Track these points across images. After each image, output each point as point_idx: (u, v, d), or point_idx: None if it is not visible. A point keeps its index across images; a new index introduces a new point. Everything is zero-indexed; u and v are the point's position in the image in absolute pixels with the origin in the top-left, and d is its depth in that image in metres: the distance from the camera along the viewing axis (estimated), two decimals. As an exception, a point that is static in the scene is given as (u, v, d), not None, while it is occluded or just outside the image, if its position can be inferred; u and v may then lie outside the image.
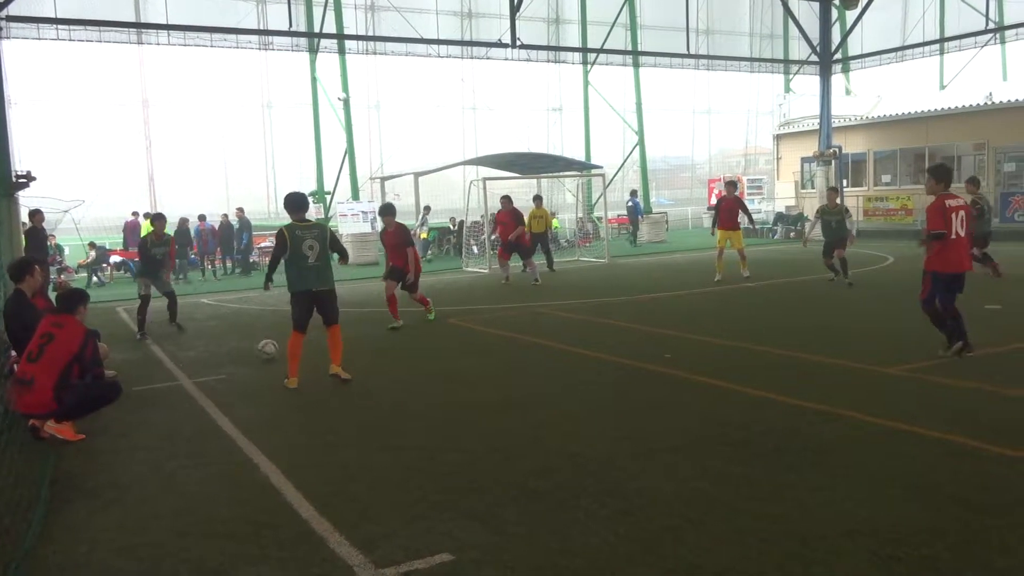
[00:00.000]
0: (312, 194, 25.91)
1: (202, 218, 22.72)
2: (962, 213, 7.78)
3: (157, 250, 11.88)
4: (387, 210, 11.39)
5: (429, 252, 25.03)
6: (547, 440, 5.88)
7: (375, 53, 24.60)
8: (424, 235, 24.47)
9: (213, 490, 5.14)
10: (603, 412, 6.64)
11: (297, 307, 8.03)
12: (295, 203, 8.02)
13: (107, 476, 5.51)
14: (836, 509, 4.36)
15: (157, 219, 12.56)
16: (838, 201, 14.96)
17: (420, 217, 24.75)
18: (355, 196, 25.52)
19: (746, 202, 17.38)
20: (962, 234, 7.76)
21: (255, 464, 5.57)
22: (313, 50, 24.54)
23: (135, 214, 23.55)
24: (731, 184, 16.34)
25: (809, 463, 5.11)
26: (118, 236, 24.07)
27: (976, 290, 12.66)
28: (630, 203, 27.92)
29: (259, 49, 23.79)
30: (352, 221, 23.74)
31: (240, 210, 23.14)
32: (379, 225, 24.29)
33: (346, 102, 25.31)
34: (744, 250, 15.40)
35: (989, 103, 25.68)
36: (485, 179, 21.33)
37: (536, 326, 11.08)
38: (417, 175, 26.20)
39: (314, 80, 25.09)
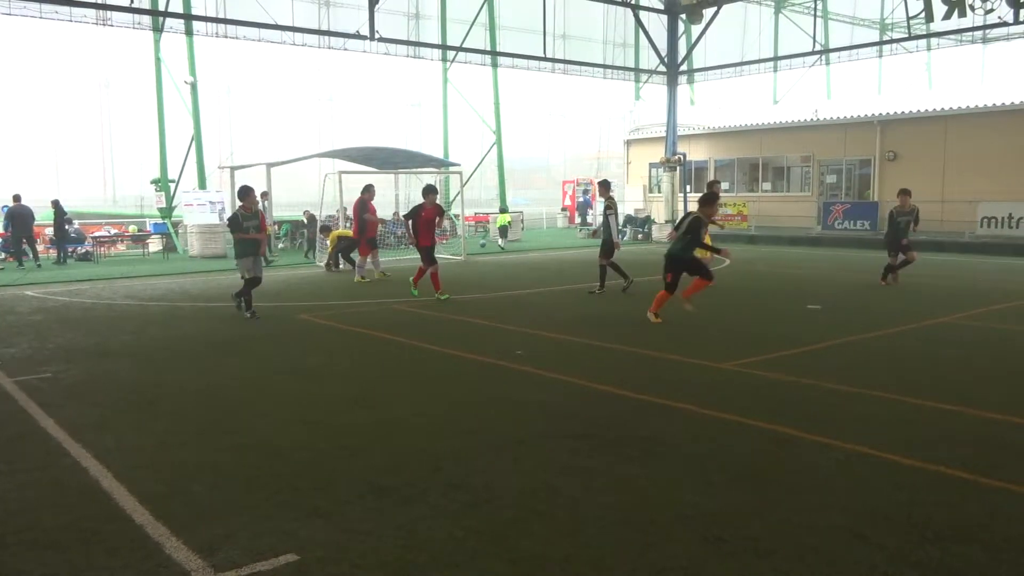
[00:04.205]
0: (154, 182, 24.54)
1: None
2: None
3: (249, 223, 11.51)
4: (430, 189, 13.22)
5: (280, 246, 24.26)
6: (396, 436, 5.88)
7: (226, 36, 23.55)
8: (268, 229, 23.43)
9: (34, 497, 4.78)
10: (453, 407, 6.71)
11: None
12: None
13: (-91, 484, 5.02)
14: (670, 496, 4.62)
15: (248, 193, 11.84)
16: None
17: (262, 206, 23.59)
18: (202, 185, 24.37)
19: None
20: None
21: (83, 468, 5.23)
22: (157, 29, 23.20)
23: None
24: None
25: (647, 454, 5.39)
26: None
27: (800, 291, 13.73)
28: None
29: (96, 24, 22.22)
30: (198, 211, 22.62)
31: (16, 197, 20.69)
32: (227, 216, 23.43)
33: (193, 86, 24.11)
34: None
35: (815, 119, 27.87)
36: (341, 173, 20.92)
37: (389, 322, 11.01)
38: (270, 166, 25.33)
39: (158, 61, 23.74)
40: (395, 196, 29.54)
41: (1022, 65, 38.00)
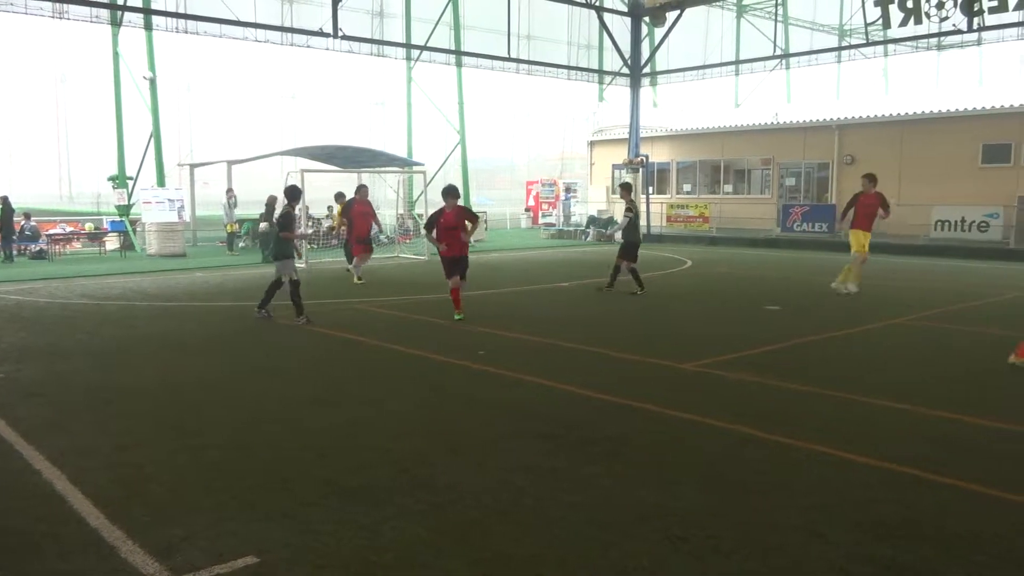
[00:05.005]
0: (112, 179, 24.09)
1: None
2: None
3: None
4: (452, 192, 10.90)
5: (241, 244, 23.97)
6: (361, 437, 5.85)
7: (186, 32, 23.20)
8: (231, 227, 23.26)
9: (-15, 500, 4.68)
10: (418, 408, 6.69)
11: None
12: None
13: None
14: (632, 496, 4.66)
15: (299, 194, 11.56)
16: None
17: (224, 205, 23.49)
18: (160, 183, 23.98)
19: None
20: None
21: (36, 470, 5.11)
22: (115, 23, 22.77)
23: None
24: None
25: (610, 454, 5.42)
26: None
27: (760, 292, 13.92)
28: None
29: (52, 17, 21.73)
30: (157, 209, 22.25)
31: None
32: (186, 214, 23.11)
33: (152, 82, 23.73)
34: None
35: (775, 123, 28.28)
36: (304, 171, 20.71)
37: (353, 322, 10.93)
38: (230, 163, 25.01)
39: (116, 55, 23.30)
40: (358, 195, 29.35)
41: (975, 72, 39.01)
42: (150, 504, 4.55)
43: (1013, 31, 22.34)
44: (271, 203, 20.52)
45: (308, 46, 24.80)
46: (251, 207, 25.91)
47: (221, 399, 6.99)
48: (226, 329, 10.56)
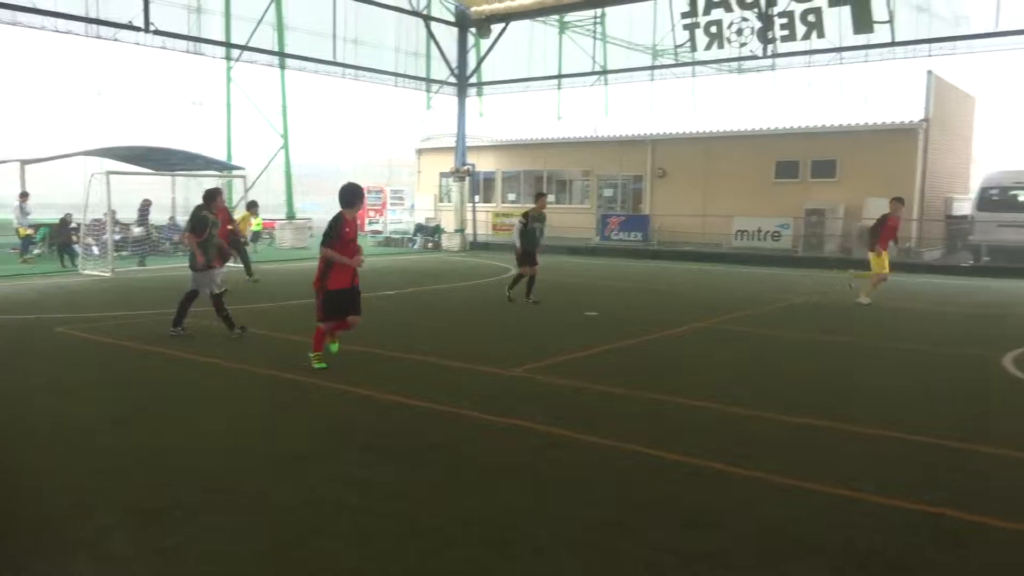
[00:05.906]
0: None
1: None
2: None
3: (213, 229, 9.94)
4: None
5: (36, 251, 21.95)
6: (167, 455, 5.52)
7: (-30, 18, 20.95)
8: (24, 231, 21.23)
9: None
10: (232, 423, 6.41)
11: None
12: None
13: None
14: (454, 503, 4.71)
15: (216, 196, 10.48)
16: None
17: (17, 208, 21.49)
18: (-61, 182, 21.55)
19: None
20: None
21: None
22: None
23: None
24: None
25: (432, 461, 5.45)
26: None
27: (579, 299, 14.49)
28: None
29: None
30: (-66, 212, 19.95)
31: None
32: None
33: (-72, 70, 21.28)
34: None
35: (594, 136, 29.57)
36: (109, 173, 19.28)
37: (160, 335, 10.26)
38: (24, 162, 22.96)
39: None
40: (172, 200, 27.75)
41: (771, 95, 42.62)
42: (-82, 542, 4.08)
43: (801, 59, 24.54)
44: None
45: (116, 40, 23.09)
46: (48, 211, 23.84)
47: (9, 421, 6.36)
48: (13, 344, 9.62)
